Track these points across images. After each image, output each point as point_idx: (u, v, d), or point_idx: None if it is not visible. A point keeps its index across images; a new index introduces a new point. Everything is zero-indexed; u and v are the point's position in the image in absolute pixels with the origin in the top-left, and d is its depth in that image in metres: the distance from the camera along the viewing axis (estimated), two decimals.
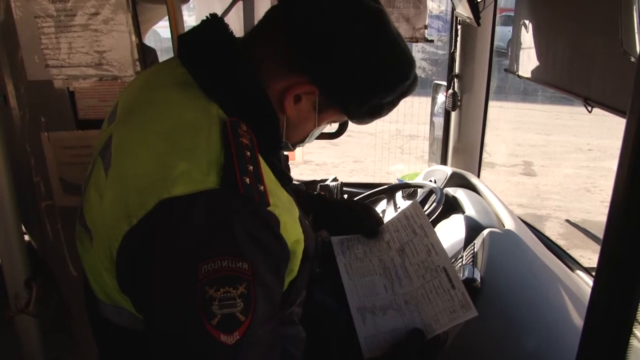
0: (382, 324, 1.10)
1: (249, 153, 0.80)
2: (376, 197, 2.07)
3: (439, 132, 2.64)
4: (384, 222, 1.34)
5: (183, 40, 0.93)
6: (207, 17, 0.93)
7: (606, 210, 0.61)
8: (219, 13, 1.48)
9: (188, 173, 0.76)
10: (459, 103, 2.42)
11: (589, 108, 1.39)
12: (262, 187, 0.79)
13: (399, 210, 1.35)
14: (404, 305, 1.13)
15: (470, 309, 1.05)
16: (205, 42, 0.90)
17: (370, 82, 0.89)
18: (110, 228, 0.80)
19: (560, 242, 2.00)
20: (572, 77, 1.49)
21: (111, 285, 0.84)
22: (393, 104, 0.95)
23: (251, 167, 0.79)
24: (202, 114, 0.84)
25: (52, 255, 1.72)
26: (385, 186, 2.05)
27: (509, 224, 1.55)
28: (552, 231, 5.04)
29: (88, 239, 0.89)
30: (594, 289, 0.65)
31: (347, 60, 0.87)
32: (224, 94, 0.86)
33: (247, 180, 0.77)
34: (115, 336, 0.92)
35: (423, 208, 1.78)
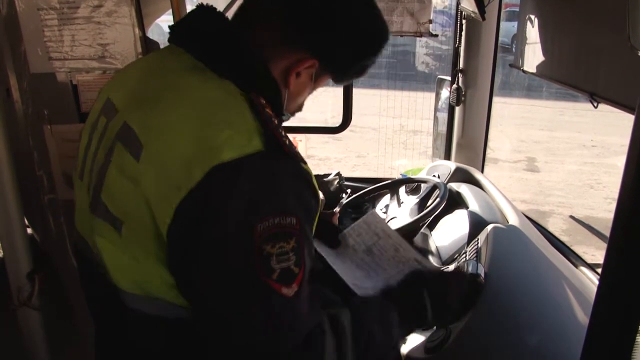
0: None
1: (276, 121, 0.87)
2: (379, 192, 2.06)
3: (443, 128, 2.63)
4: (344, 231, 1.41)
5: (181, 28, 0.99)
6: (197, 6, 0.99)
7: (609, 207, 0.60)
8: (222, 6, 1.48)
9: (232, 140, 0.80)
10: (463, 98, 2.40)
11: (595, 104, 1.38)
12: (296, 148, 0.88)
13: (361, 220, 1.45)
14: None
15: None
16: (206, 29, 0.96)
17: (364, 45, 1.01)
18: (157, 206, 0.81)
19: (564, 239, 2.00)
20: (578, 73, 1.48)
21: (152, 270, 0.86)
22: (375, 59, 1.05)
23: (283, 132, 0.86)
24: (223, 91, 0.89)
25: (55, 249, 1.72)
26: (389, 181, 2.04)
27: (513, 219, 1.54)
28: (555, 227, 5.02)
29: (112, 230, 0.89)
30: (600, 286, 0.65)
31: (346, 27, 0.98)
32: (235, 73, 0.91)
33: (287, 141, 0.85)
34: (139, 326, 0.93)
35: (427, 203, 1.78)
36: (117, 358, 1.05)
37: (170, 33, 1.00)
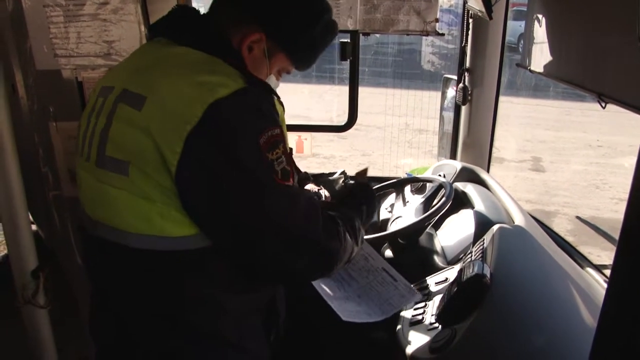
0: (346, 305, 1.36)
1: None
2: (384, 191, 2.05)
3: (449, 127, 2.62)
4: None
5: (161, 25, 1.15)
6: (173, 7, 1.16)
7: (616, 207, 0.59)
8: None
9: (223, 82, 0.97)
10: (469, 97, 2.39)
11: (603, 104, 1.37)
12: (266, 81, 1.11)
13: None
14: (357, 298, 1.39)
15: (415, 293, 1.40)
16: (181, 20, 1.13)
17: (300, 15, 1.14)
18: (165, 141, 0.94)
19: (569, 239, 1.98)
20: (586, 72, 1.46)
21: (154, 206, 0.97)
22: (324, 39, 1.20)
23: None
24: (204, 56, 1.05)
25: (60, 245, 1.72)
26: (394, 180, 2.04)
27: (519, 219, 1.53)
28: (560, 227, 4.99)
29: (119, 177, 0.99)
30: (609, 287, 0.64)
31: (282, 2, 1.14)
32: (208, 48, 1.06)
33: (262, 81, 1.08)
34: (142, 264, 1.03)
35: (432, 203, 1.77)
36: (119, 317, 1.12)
37: (150, 30, 1.18)
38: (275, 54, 1.16)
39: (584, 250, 1.92)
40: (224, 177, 0.96)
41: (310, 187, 1.57)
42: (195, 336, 1.06)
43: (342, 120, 2.55)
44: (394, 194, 2.03)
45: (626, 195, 0.59)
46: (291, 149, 1.09)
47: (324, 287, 1.40)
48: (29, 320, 1.61)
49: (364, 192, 1.39)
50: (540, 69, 1.84)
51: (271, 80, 1.20)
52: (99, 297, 1.16)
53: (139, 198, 0.98)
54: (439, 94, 2.79)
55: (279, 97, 1.13)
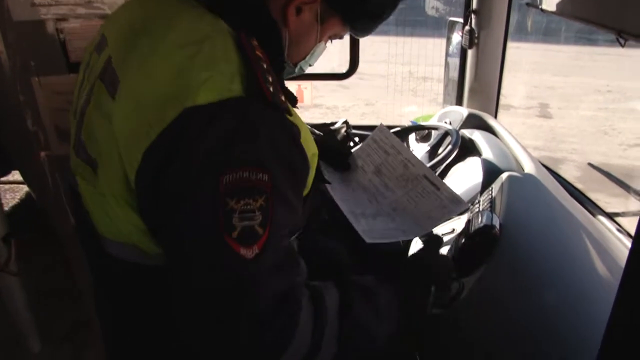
0: (375, 225, 1.14)
1: (265, 65, 0.79)
2: None
3: (454, 74, 2.51)
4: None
5: None
6: None
7: (624, 154, 0.52)
8: None
9: (211, 81, 0.73)
10: (476, 41, 2.27)
11: (622, 41, 1.27)
12: (282, 97, 0.80)
13: (369, 137, 1.34)
14: (392, 211, 1.17)
15: (461, 202, 1.14)
16: None
17: None
18: (126, 149, 0.77)
19: (578, 186, 1.91)
20: (604, 8, 1.36)
21: (122, 216, 0.82)
22: (392, 3, 0.96)
23: (270, 78, 0.78)
24: (213, 27, 0.81)
25: (52, 204, 1.67)
26: (398, 128, 1.95)
27: (529, 167, 1.46)
28: (569, 174, 4.90)
29: (90, 171, 0.85)
30: (635, 242, 0.57)
31: None
32: (229, 10, 0.84)
33: (271, 88, 0.76)
34: (120, 273, 0.89)
35: (438, 151, 1.70)
36: (110, 308, 1.02)
37: None
38: (330, 18, 0.93)
39: (593, 197, 1.85)
40: (169, 201, 0.75)
41: None
42: None
43: (344, 67, 2.44)
44: None
45: (636, 141, 0.51)
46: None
47: (349, 202, 1.20)
48: (4, 288, 1.57)
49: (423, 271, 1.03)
50: (553, 8, 1.72)
51: (319, 48, 1.00)
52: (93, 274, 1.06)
53: (105, 204, 0.83)
54: (444, 41, 2.66)
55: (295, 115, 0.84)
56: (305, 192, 0.88)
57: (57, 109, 1.53)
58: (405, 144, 1.89)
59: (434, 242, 1.24)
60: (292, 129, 0.79)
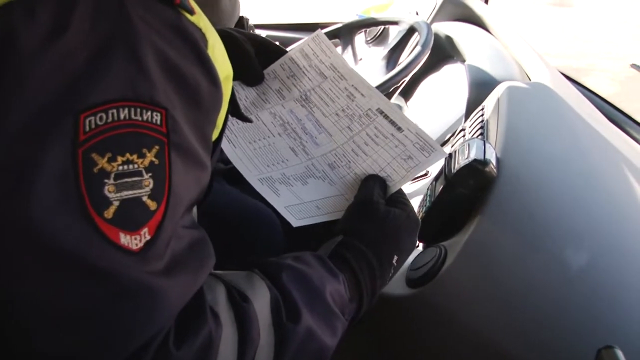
0: (305, 194, 0.87)
1: None
2: None
3: None
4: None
5: None
6: None
7: None
8: None
9: None
10: None
11: None
12: None
13: (296, 48, 0.95)
14: (329, 170, 0.86)
15: (435, 149, 0.79)
16: None
17: None
18: None
19: (613, 103, 1.57)
20: None
21: None
22: None
23: None
24: None
25: None
26: (338, 25, 1.58)
27: (539, 74, 1.16)
28: (599, 89, 4.28)
29: None
30: None
31: None
32: None
33: None
34: None
35: (398, 56, 1.42)
36: None
37: None
38: None
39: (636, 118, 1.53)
40: None
41: None
42: None
43: None
44: (339, 48, 1.59)
45: None
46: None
47: (256, 157, 0.90)
48: None
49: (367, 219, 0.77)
50: None
51: None
52: None
53: None
54: None
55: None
56: (215, 134, 0.65)
57: None
58: (351, 51, 1.55)
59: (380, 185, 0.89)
60: (193, 37, 0.56)
